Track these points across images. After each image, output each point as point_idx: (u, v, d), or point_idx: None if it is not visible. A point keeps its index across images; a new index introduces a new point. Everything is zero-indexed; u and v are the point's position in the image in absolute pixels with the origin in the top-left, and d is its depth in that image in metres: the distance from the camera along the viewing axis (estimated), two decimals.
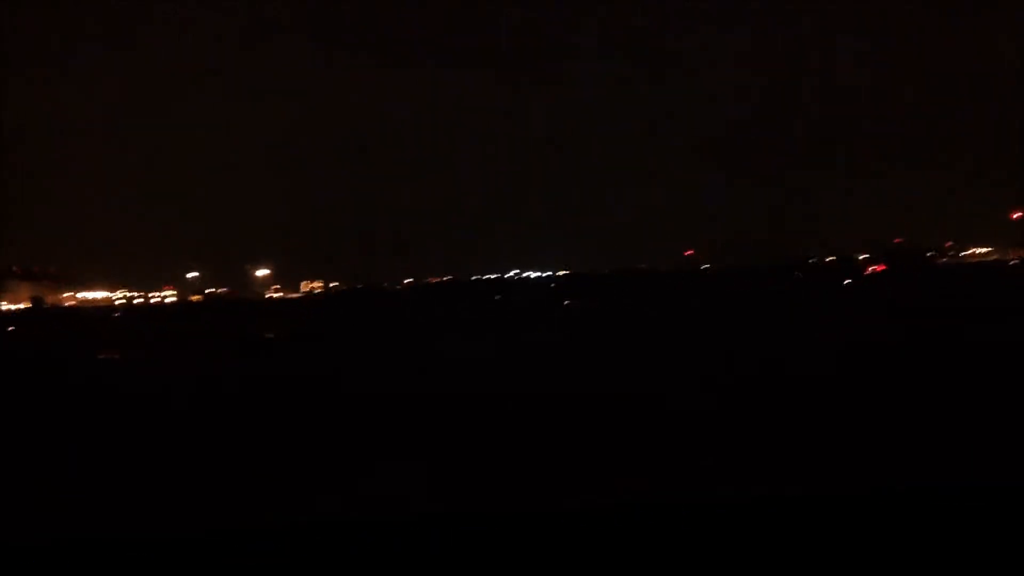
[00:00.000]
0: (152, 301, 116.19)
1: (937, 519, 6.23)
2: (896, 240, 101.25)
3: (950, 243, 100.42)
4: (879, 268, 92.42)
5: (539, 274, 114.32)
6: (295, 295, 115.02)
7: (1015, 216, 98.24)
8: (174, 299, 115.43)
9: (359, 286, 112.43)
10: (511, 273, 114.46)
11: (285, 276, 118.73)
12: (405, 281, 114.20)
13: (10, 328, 72.69)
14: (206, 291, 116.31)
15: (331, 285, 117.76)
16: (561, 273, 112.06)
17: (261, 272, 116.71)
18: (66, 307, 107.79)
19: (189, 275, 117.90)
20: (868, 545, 5.88)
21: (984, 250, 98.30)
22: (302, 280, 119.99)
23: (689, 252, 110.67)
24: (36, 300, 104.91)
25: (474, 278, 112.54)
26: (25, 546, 6.45)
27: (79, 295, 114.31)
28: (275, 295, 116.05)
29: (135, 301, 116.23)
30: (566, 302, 65.80)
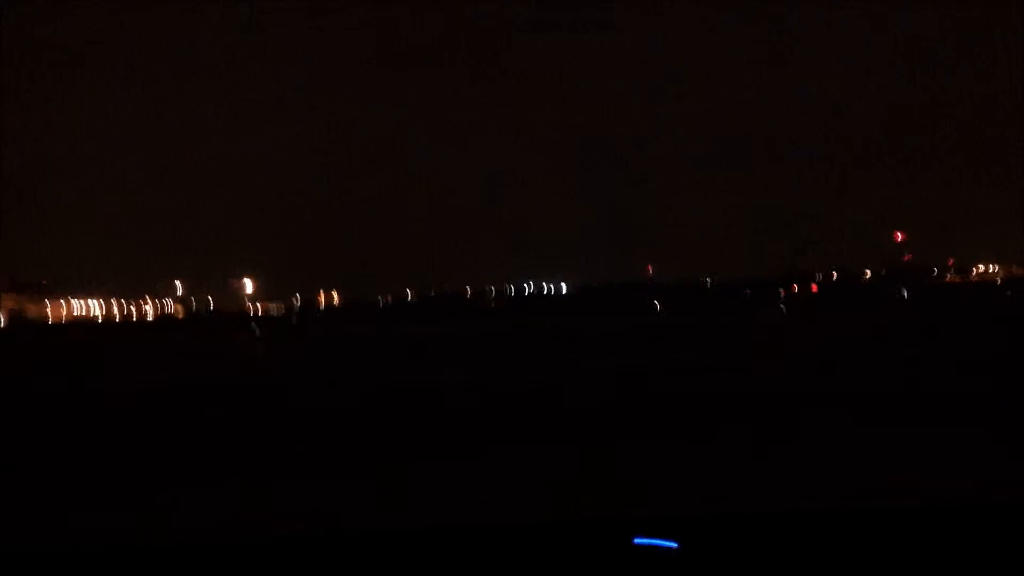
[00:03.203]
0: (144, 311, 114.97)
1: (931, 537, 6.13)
2: (906, 257, 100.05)
3: (952, 260, 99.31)
4: (801, 288, 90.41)
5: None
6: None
7: (898, 238, 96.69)
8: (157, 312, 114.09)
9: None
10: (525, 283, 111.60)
11: (273, 287, 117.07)
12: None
13: None
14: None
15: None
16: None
17: (246, 283, 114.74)
18: (49, 320, 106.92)
19: (177, 285, 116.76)
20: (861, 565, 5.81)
21: (990, 268, 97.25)
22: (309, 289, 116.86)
23: (647, 268, 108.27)
24: (15, 313, 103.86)
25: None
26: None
27: (70, 306, 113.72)
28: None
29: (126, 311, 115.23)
30: None
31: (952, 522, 6.39)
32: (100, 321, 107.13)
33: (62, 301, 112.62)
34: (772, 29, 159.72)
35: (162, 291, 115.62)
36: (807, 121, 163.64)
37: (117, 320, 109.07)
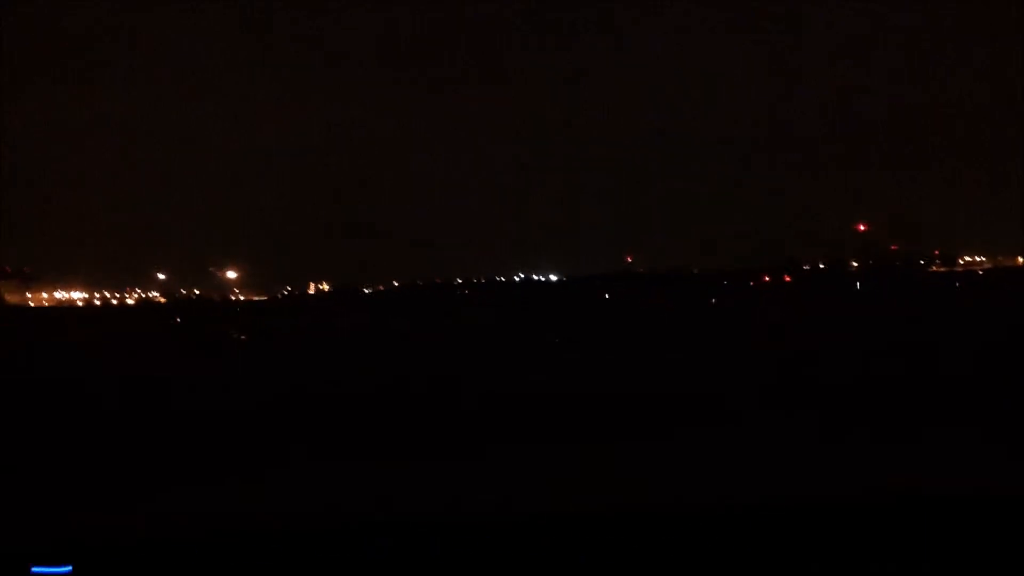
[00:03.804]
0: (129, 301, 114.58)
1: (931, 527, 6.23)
2: (892, 247, 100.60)
3: (937, 251, 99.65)
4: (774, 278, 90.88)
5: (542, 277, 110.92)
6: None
7: (860, 228, 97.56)
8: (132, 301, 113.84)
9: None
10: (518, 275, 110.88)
11: (265, 278, 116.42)
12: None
13: None
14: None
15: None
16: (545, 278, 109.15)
17: (228, 273, 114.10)
18: (28, 307, 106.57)
19: (160, 276, 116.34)
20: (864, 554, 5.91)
21: (978, 258, 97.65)
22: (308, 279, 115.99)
23: (628, 258, 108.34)
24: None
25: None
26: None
27: (56, 295, 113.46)
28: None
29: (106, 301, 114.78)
30: None
31: (943, 516, 6.42)
32: (82, 308, 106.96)
33: (44, 293, 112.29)
34: (772, 28, 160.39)
35: (146, 281, 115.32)
36: (803, 116, 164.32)
37: (98, 307, 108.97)
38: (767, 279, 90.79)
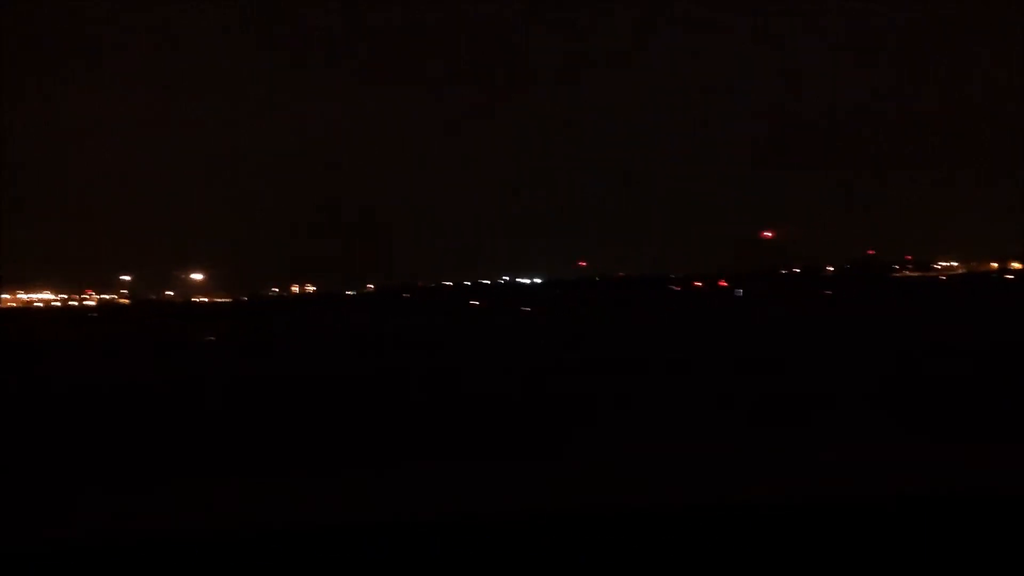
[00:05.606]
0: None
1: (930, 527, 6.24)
2: (869, 252, 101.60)
3: (909, 256, 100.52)
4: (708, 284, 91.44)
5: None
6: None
7: (764, 235, 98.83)
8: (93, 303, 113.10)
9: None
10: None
11: (227, 279, 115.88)
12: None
13: None
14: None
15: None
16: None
17: (193, 276, 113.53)
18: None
19: (124, 278, 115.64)
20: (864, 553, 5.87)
21: (951, 263, 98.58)
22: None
23: (582, 263, 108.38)
24: None
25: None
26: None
27: (22, 296, 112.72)
28: None
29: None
30: None
31: (943, 516, 6.46)
32: (44, 309, 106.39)
33: (6, 295, 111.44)
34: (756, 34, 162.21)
35: (114, 284, 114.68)
36: (782, 121, 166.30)
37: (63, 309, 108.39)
38: (700, 284, 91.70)
